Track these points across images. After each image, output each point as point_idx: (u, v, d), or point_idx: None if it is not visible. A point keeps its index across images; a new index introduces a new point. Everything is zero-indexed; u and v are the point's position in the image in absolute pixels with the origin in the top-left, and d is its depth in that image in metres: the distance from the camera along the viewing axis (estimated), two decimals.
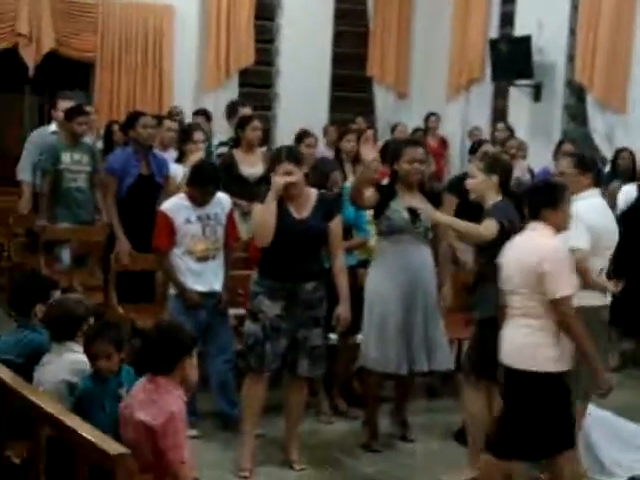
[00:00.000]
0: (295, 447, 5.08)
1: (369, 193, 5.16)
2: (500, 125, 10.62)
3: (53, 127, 8.06)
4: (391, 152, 5.38)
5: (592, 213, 4.82)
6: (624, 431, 5.11)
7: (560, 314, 4.05)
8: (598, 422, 5.04)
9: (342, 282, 5.00)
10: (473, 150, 7.01)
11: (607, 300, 4.90)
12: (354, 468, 5.15)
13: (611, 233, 4.92)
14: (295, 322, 4.88)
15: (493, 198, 4.81)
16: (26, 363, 4.05)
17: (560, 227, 4.25)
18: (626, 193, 7.23)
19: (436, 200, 5.37)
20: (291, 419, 5.11)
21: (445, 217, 5.01)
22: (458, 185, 6.43)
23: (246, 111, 8.63)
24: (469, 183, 4.93)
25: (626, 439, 5.05)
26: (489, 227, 4.69)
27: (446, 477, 4.94)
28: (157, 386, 3.52)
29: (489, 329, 4.64)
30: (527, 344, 4.11)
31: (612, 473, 4.95)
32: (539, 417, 4.10)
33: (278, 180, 4.78)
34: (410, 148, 5.22)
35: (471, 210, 5.07)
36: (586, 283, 4.66)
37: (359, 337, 5.51)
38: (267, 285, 4.89)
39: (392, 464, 5.19)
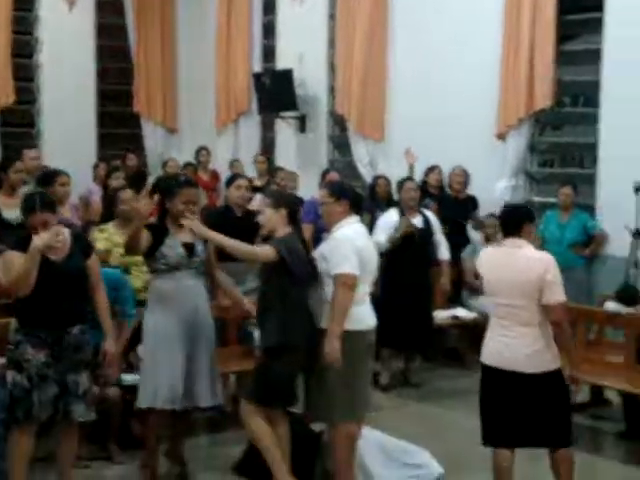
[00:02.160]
0: None
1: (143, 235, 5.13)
2: (260, 158, 10.85)
3: None
4: (165, 190, 5.34)
5: (360, 239, 5.03)
6: (392, 449, 5.29)
7: (557, 317, 4.62)
8: (370, 442, 5.20)
9: (106, 318, 4.98)
10: (228, 183, 7.11)
11: (373, 323, 5.08)
12: None
13: (373, 259, 5.12)
14: (63, 367, 4.74)
15: (283, 230, 4.95)
16: None
17: (532, 240, 4.84)
18: (387, 217, 7.49)
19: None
20: (64, 468, 4.93)
21: (218, 235, 5.04)
22: (216, 218, 6.53)
23: (31, 154, 8.36)
24: (260, 219, 5.07)
25: (394, 457, 5.24)
26: (265, 250, 4.88)
27: None
28: None
29: (271, 358, 4.83)
30: (538, 350, 4.61)
31: None
32: (563, 408, 4.70)
33: (43, 240, 4.62)
34: (186, 189, 5.22)
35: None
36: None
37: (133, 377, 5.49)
38: (30, 332, 4.72)
39: None
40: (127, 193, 6.37)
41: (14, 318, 4.89)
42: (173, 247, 5.17)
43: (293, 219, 5.04)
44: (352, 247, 4.90)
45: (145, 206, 5.03)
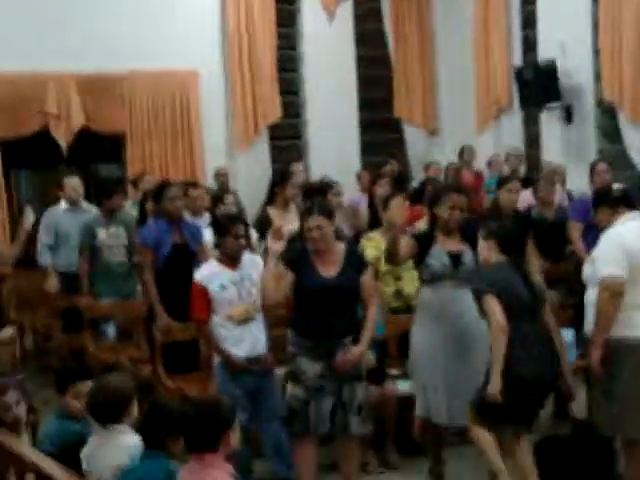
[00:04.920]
0: None
1: (405, 244, 5.11)
2: (512, 155, 10.48)
3: (63, 205, 8.07)
4: (431, 196, 5.34)
5: (630, 236, 4.74)
6: None
7: None
8: None
9: (367, 328, 4.91)
10: (499, 185, 6.93)
11: None
12: None
13: None
14: (338, 380, 4.79)
15: (495, 260, 4.80)
16: (60, 453, 4.01)
17: None
18: None
19: (474, 243, 5.26)
20: (349, 477, 5.00)
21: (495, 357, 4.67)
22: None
23: (299, 167, 8.70)
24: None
25: None
26: (493, 320, 4.59)
27: None
28: (204, 464, 3.47)
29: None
30: None
31: None
32: None
33: (274, 247, 4.74)
34: (452, 194, 5.14)
35: None
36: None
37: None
38: (304, 345, 4.82)
39: None
40: (397, 200, 6.23)
41: (290, 330, 5.04)
42: (438, 257, 5.08)
43: (506, 248, 4.79)
44: (618, 246, 4.63)
45: (399, 214, 5.00)
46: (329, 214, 4.89)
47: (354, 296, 4.90)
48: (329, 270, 4.85)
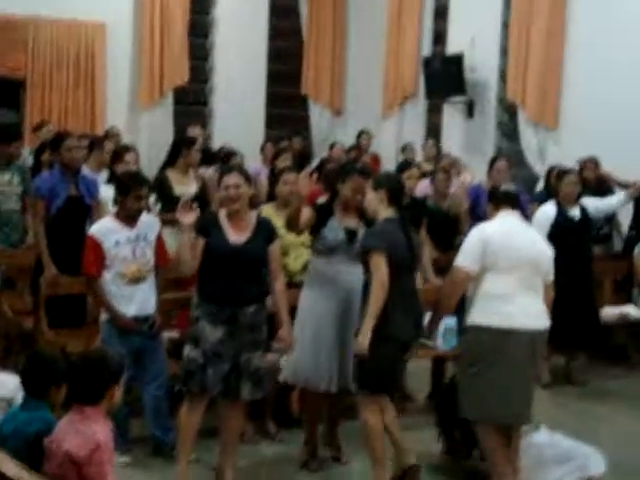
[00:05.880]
0: (230, 472, 5.00)
1: (307, 214, 5.20)
2: (429, 142, 10.70)
3: None
4: (338, 172, 5.41)
5: (495, 231, 4.95)
6: (556, 447, 5.14)
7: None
8: (530, 446, 5.08)
9: (283, 304, 4.99)
10: (400, 169, 7.07)
11: (520, 324, 4.89)
12: None
13: (520, 254, 4.93)
14: (237, 346, 4.81)
15: (384, 212, 4.92)
16: None
17: None
18: (545, 213, 7.18)
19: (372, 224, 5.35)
20: (228, 444, 5.02)
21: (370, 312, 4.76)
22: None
23: (196, 131, 8.60)
24: (365, 202, 5.06)
25: (556, 455, 5.08)
26: (377, 276, 4.73)
27: None
28: (83, 416, 3.44)
29: (373, 347, 4.72)
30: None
31: None
32: None
33: (185, 220, 4.74)
34: (357, 177, 5.21)
35: None
36: None
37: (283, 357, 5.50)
38: (208, 310, 4.82)
39: None
40: (291, 176, 6.26)
41: (196, 294, 5.02)
42: (334, 230, 5.21)
43: (395, 200, 4.95)
44: (478, 239, 4.84)
45: (304, 186, 5.09)
46: (247, 176, 4.93)
47: (261, 264, 4.91)
48: (239, 236, 4.85)
